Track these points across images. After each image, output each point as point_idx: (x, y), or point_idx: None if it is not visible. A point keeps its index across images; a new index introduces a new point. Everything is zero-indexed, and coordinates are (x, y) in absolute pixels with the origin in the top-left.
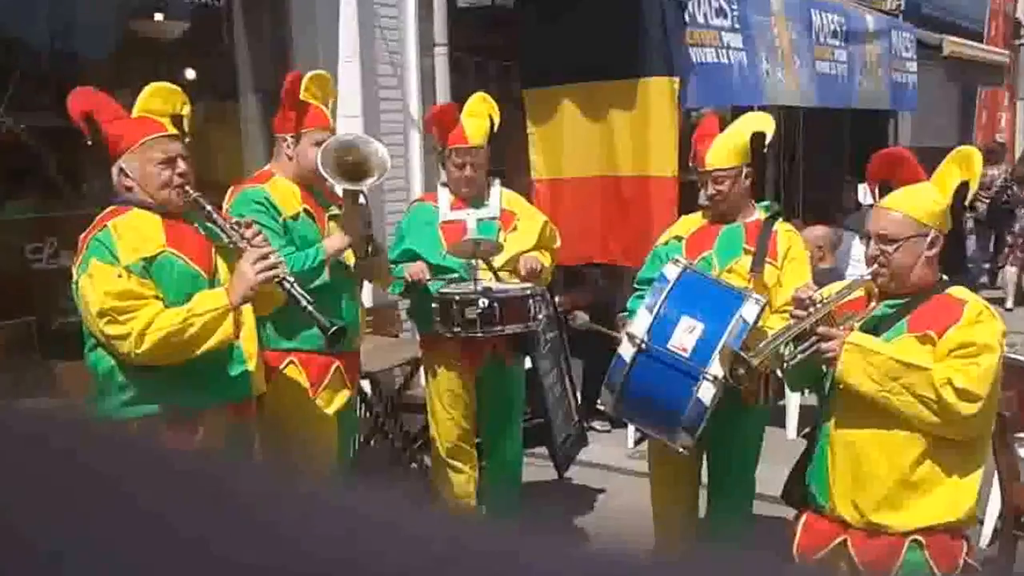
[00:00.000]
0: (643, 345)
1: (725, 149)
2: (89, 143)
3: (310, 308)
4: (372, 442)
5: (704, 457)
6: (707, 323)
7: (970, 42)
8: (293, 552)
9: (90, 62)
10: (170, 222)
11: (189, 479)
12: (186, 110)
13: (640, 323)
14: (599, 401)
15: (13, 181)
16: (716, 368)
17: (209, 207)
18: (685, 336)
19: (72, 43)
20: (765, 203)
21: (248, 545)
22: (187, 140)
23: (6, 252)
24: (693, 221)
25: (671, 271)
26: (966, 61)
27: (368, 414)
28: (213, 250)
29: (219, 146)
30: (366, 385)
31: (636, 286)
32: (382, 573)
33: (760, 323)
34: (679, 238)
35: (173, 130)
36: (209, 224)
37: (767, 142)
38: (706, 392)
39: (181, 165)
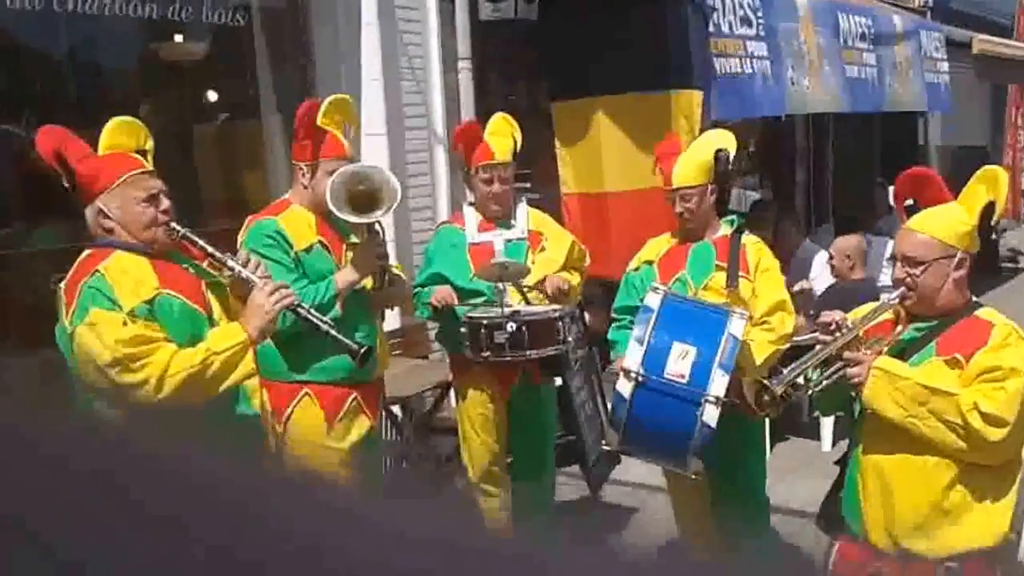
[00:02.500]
0: (640, 378)
1: (690, 167)
2: (65, 185)
3: (332, 332)
4: (404, 465)
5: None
6: (699, 346)
7: (1000, 39)
8: (315, 566)
9: (112, 83)
10: (157, 262)
11: (205, 486)
12: (149, 144)
13: (633, 357)
14: (604, 441)
15: (38, 208)
16: (716, 389)
17: (202, 241)
18: (679, 362)
19: (94, 65)
20: (730, 218)
21: (262, 549)
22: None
23: (34, 283)
24: (661, 244)
25: (653, 300)
26: (996, 58)
27: (399, 437)
28: (204, 286)
29: (242, 166)
30: (397, 409)
31: (614, 315)
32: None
33: (744, 337)
34: (649, 262)
35: (149, 166)
36: (195, 261)
37: (731, 159)
38: (711, 415)
39: (164, 202)
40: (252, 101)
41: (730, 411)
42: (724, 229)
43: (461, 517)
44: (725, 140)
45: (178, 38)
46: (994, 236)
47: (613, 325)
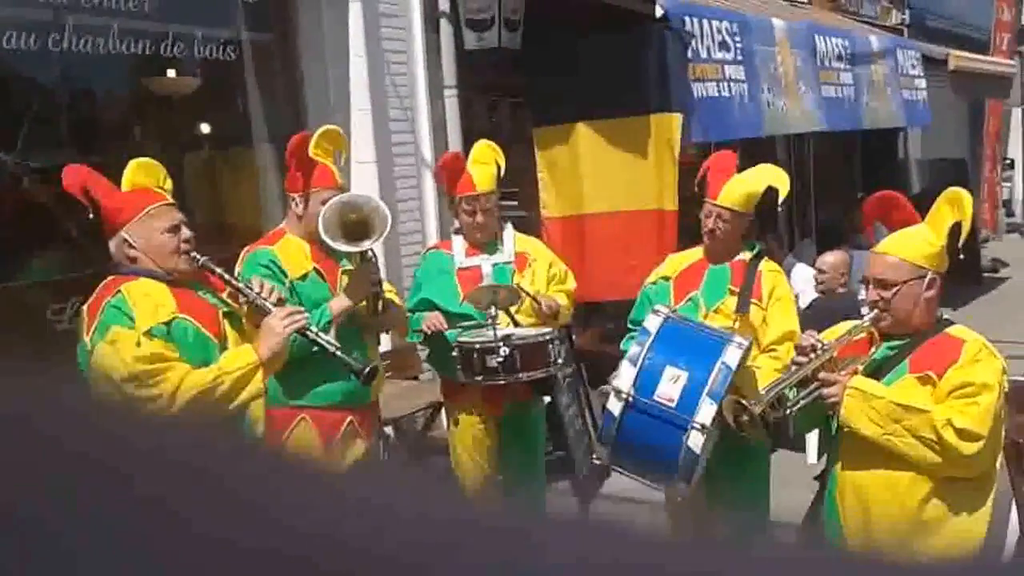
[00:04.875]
0: (630, 399)
1: (740, 192)
2: (90, 215)
3: (339, 354)
4: None
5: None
6: (691, 371)
7: (975, 55)
8: (291, 533)
9: (108, 117)
10: (177, 289)
11: (192, 468)
12: (168, 184)
13: (625, 377)
14: (595, 456)
15: (32, 238)
16: (703, 416)
17: (220, 270)
18: (670, 386)
19: (91, 100)
20: (751, 243)
21: (250, 530)
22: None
23: (30, 314)
24: (680, 261)
25: (652, 323)
26: (972, 74)
27: (391, 457)
28: (220, 315)
29: (234, 196)
30: (389, 429)
31: (630, 326)
32: (383, 555)
33: (749, 362)
34: (666, 278)
35: (171, 199)
36: (213, 290)
37: (780, 200)
38: (695, 441)
39: (185, 232)
40: (244, 132)
41: (734, 433)
42: (744, 255)
43: (444, 490)
44: (779, 179)
45: (171, 73)
46: (975, 246)
47: (627, 336)
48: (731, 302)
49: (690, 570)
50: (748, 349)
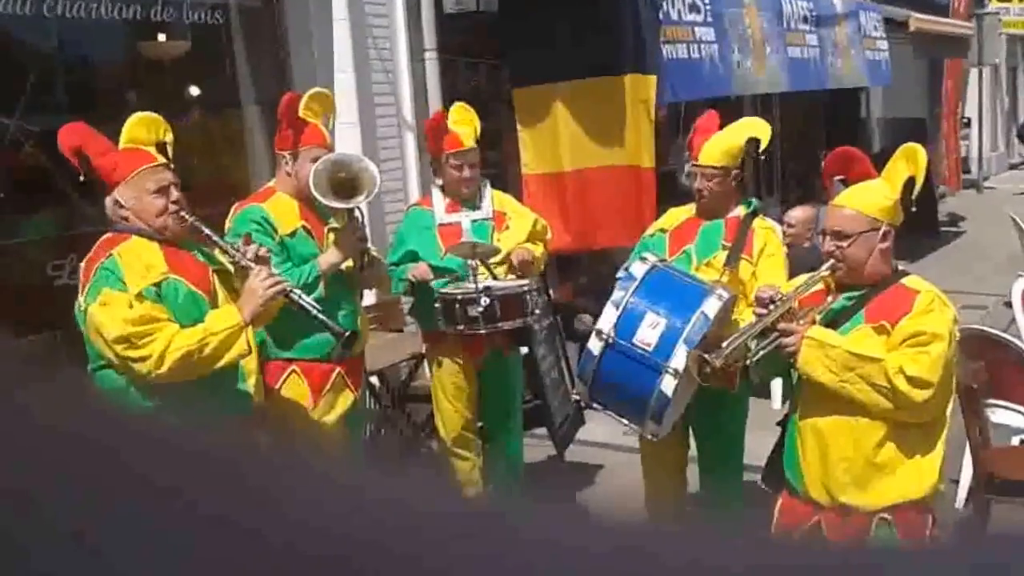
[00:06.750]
0: (610, 340)
1: (718, 149)
2: (82, 178)
3: (321, 316)
4: (382, 431)
5: (692, 440)
6: (670, 319)
7: (935, 17)
8: (302, 529)
9: (100, 80)
10: (168, 249)
11: (205, 461)
12: (169, 136)
13: (607, 318)
14: (574, 391)
15: (31, 199)
16: (677, 362)
17: (208, 230)
18: (649, 331)
19: (83, 64)
20: (748, 200)
21: (261, 523)
22: (171, 167)
23: (30, 270)
24: (679, 215)
25: (638, 269)
26: (931, 35)
27: (377, 406)
28: (211, 273)
29: (224, 158)
30: (374, 379)
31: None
32: (390, 549)
33: (735, 316)
34: (663, 231)
35: (162, 159)
36: (206, 248)
37: (761, 149)
38: (668, 384)
39: (174, 193)
40: (232, 94)
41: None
42: (740, 211)
43: (437, 483)
44: (759, 130)
45: (161, 37)
46: (932, 201)
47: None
48: (722, 256)
49: (678, 561)
50: (730, 301)
